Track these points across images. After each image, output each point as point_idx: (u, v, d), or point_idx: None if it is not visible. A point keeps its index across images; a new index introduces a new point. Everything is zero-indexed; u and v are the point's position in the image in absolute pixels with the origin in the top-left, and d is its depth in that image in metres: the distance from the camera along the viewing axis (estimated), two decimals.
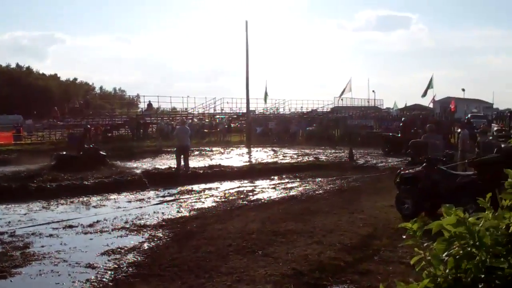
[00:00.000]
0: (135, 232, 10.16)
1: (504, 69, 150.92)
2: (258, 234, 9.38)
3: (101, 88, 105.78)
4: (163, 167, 20.98)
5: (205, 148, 31.59)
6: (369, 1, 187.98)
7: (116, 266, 7.76)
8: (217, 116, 51.22)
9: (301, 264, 7.41)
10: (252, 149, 31.14)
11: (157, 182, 17.22)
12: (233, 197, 14.50)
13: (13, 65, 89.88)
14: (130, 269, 7.60)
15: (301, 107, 60.90)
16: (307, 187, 16.11)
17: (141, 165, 22.50)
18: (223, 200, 14.10)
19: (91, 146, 22.20)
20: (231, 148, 32.15)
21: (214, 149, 31.05)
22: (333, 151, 28.87)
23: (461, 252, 1.94)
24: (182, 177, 18.22)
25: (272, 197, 14.33)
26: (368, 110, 59.16)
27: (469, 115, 42.78)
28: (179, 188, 16.24)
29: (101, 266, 7.80)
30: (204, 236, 9.49)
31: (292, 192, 15.13)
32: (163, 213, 12.26)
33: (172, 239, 9.50)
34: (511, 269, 1.89)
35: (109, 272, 7.47)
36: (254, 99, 47.57)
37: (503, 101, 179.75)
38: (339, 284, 6.67)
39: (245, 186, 16.76)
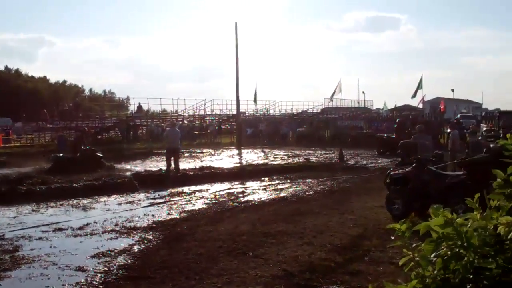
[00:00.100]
0: (125, 235, 10.13)
1: (491, 70, 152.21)
2: (248, 235, 9.38)
3: (90, 90, 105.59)
4: (153, 169, 20.93)
5: (196, 149, 31.59)
6: (358, 2, 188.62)
7: (106, 269, 7.72)
8: (208, 118, 51.15)
9: (292, 265, 7.43)
10: (242, 150, 31.13)
11: (147, 184, 17.18)
12: (224, 199, 14.48)
13: (1, 68, 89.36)
14: (120, 272, 7.57)
15: (291, 108, 60.95)
16: (298, 188, 16.13)
17: (131, 167, 22.40)
18: (213, 202, 14.08)
19: (87, 148, 22.24)
20: (222, 149, 32.17)
21: (204, 150, 31.07)
22: (323, 152, 28.96)
23: (449, 253, 1.95)
24: (172, 179, 18.17)
25: (262, 199, 14.34)
26: (358, 111, 59.23)
27: (458, 115, 42.92)
28: (169, 190, 16.19)
29: (91, 269, 7.76)
30: (195, 238, 9.48)
31: (283, 193, 15.14)
32: (153, 215, 12.23)
33: (163, 241, 9.48)
34: (499, 269, 1.90)
35: (99, 275, 7.43)
36: (244, 101, 47.48)
37: (492, 101, 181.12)
38: (330, 285, 6.67)
39: (236, 188, 16.75)
